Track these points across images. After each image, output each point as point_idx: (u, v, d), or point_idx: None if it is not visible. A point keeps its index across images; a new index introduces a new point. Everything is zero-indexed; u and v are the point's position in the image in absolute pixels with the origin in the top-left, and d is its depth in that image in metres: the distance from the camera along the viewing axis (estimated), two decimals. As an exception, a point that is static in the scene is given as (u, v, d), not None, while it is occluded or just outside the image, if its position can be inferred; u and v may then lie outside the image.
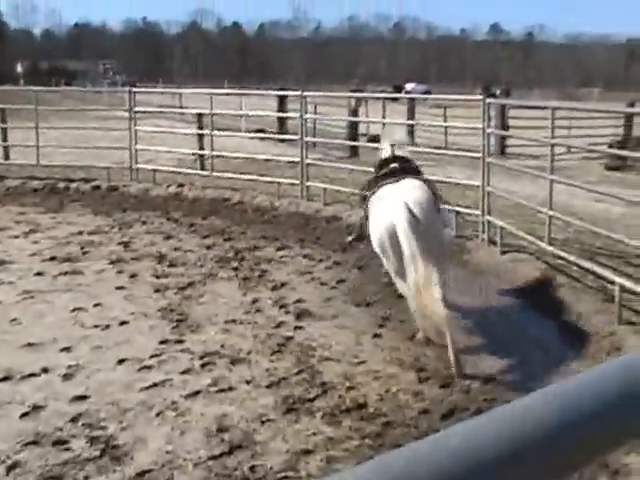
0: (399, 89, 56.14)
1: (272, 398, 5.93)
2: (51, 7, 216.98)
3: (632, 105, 24.01)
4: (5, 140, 18.19)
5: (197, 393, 6.00)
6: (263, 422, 5.53)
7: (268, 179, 14.81)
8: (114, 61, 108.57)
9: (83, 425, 5.44)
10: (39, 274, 9.45)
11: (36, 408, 5.69)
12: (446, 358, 6.65)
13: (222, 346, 7.04)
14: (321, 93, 19.82)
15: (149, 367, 6.55)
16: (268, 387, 6.15)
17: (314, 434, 5.38)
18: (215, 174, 15.51)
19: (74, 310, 8.03)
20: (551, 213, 9.41)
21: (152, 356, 6.77)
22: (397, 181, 7.43)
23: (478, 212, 10.93)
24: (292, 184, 14.30)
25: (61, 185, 15.99)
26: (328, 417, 5.62)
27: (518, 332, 7.70)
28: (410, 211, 6.88)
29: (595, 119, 24.57)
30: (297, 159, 14.48)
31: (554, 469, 1.12)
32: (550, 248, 9.31)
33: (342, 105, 22.90)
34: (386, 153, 8.40)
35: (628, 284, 7.53)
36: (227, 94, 29.00)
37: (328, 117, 23.04)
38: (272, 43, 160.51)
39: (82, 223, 12.60)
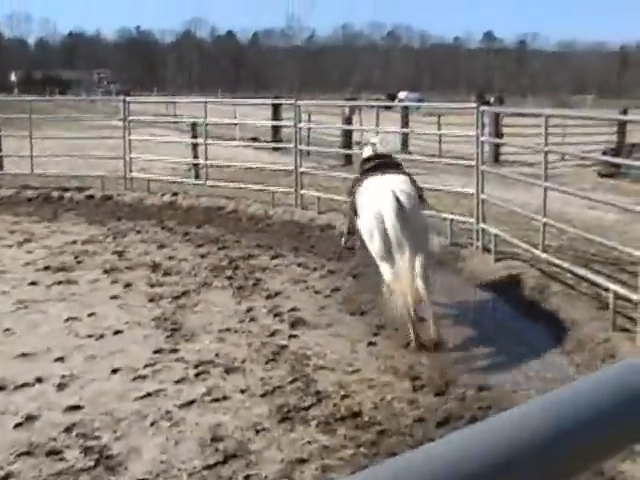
0: (393, 97, 56.22)
1: (267, 407, 5.92)
2: (45, 16, 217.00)
3: (625, 112, 24.10)
4: (-1, 149, 18.18)
5: (191, 402, 5.99)
6: (258, 431, 5.52)
7: (262, 188, 14.80)
8: (108, 70, 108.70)
9: (77, 435, 5.42)
10: (33, 284, 9.43)
11: (30, 418, 5.67)
12: (441, 367, 6.67)
13: (216, 355, 7.03)
14: (315, 102, 19.86)
15: (143, 377, 6.53)
16: (263, 396, 6.13)
17: (309, 443, 5.37)
18: (209, 183, 15.51)
19: (68, 320, 8.02)
20: (545, 220, 9.42)
21: (146, 365, 6.75)
22: (382, 174, 7.98)
23: (472, 220, 10.93)
24: (286, 192, 14.30)
25: (55, 194, 15.97)
26: (323, 426, 5.61)
27: (513, 340, 7.71)
28: (397, 199, 7.40)
29: (588, 126, 24.63)
30: (291, 167, 14.48)
31: (550, 477, 1.12)
32: (544, 255, 9.32)
33: (336, 113, 22.91)
34: (368, 152, 8.98)
35: (622, 291, 7.53)
36: (221, 103, 29.01)
37: (322, 125, 23.08)
38: (266, 52, 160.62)
39: (76, 232, 12.58)
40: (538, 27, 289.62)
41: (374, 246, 7.64)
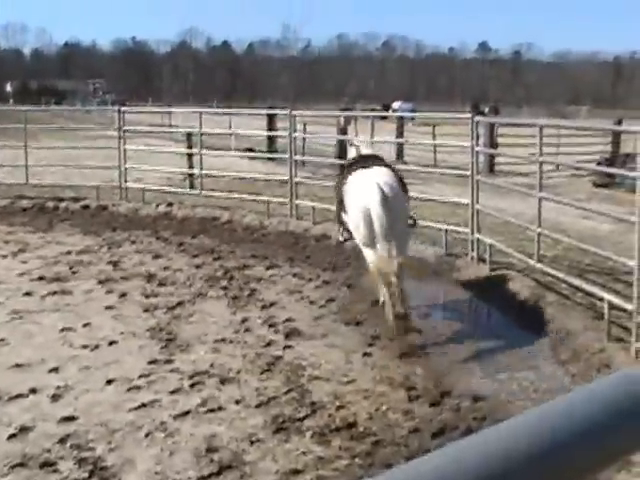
0: (387, 107, 56.32)
1: (261, 418, 5.91)
2: (41, 27, 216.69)
3: (619, 123, 24.13)
4: (-6, 159, 18.15)
5: (186, 413, 5.97)
6: (252, 442, 5.51)
7: (257, 198, 14.80)
8: (104, 80, 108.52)
9: (71, 446, 5.40)
10: (27, 294, 9.42)
11: (24, 429, 5.65)
12: (436, 377, 6.68)
13: (211, 366, 7.02)
14: (310, 112, 19.88)
15: (138, 387, 6.52)
16: (257, 407, 6.12)
17: (304, 454, 5.36)
18: (204, 193, 15.50)
19: (63, 330, 8.00)
20: (540, 230, 9.42)
21: (141, 376, 6.74)
22: (366, 168, 8.66)
23: (467, 230, 10.94)
24: (281, 203, 14.30)
25: (50, 204, 15.95)
26: (318, 436, 5.60)
27: (508, 350, 7.70)
28: (382, 190, 8.02)
29: (583, 136, 24.68)
30: (286, 178, 14.48)
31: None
32: (539, 265, 9.32)
33: (331, 124, 22.95)
34: (353, 153, 9.82)
35: (617, 301, 7.53)
36: (216, 113, 29.03)
37: (317, 136, 23.10)
38: (261, 62, 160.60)
39: (71, 242, 12.57)
40: (533, 37, 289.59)
41: (360, 234, 8.33)
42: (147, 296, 9.40)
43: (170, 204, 15.46)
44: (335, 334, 8.06)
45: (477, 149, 11.25)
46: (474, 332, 8.21)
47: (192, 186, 16.60)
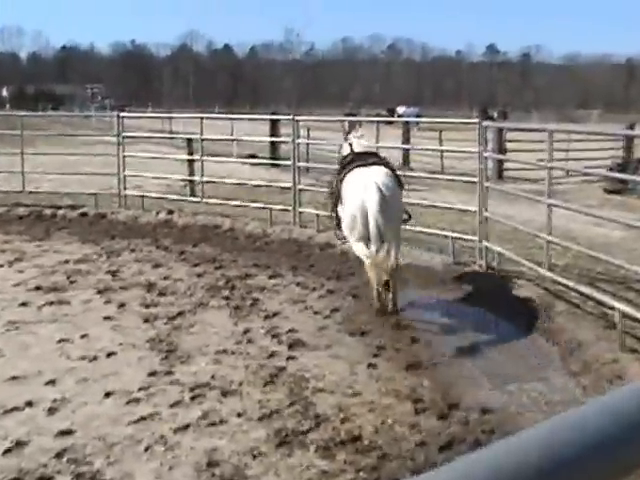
0: (392, 112, 56.34)
1: (264, 431, 5.90)
2: (38, 30, 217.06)
3: (632, 127, 24.14)
4: (-10, 166, 18.18)
5: (187, 426, 5.96)
6: (255, 456, 5.49)
7: (260, 205, 14.80)
8: (102, 85, 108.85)
9: (68, 461, 5.39)
10: (24, 304, 9.41)
11: (19, 444, 5.64)
12: (443, 389, 6.67)
13: (213, 377, 7.01)
14: (314, 117, 19.89)
15: (137, 400, 6.50)
16: (260, 420, 6.11)
17: (308, 468, 5.34)
18: (206, 200, 15.52)
19: (60, 341, 8.00)
20: (550, 238, 9.42)
21: (140, 388, 6.73)
22: (365, 166, 9.22)
23: (475, 238, 10.93)
24: (285, 210, 14.30)
25: (47, 212, 15.96)
26: (322, 450, 5.58)
27: (517, 361, 7.69)
28: (380, 191, 8.63)
29: (594, 141, 24.64)
30: (290, 185, 14.49)
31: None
32: (549, 274, 9.32)
33: (335, 129, 22.95)
34: (347, 150, 10.15)
35: (629, 310, 7.53)
36: (218, 118, 29.07)
37: (321, 141, 23.11)
38: (264, 66, 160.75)
39: (69, 251, 12.57)
40: (542, 40, 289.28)
41: (355, 232, 8.94)
42: (147, 306, 9.39)
43: (170, 212, 15.47)
44: (339, 345, 8.05)
45: (485, 155, 11.26)
46: (482, 343, 8.19)
47: (193, 193, 16.62)
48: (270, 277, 10.89)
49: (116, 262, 11.83)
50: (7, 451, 5.54)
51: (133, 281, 10.64)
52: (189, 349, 7.80)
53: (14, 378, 6.98)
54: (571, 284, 8.89)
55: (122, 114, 17.98)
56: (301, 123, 15.22)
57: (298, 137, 14.74)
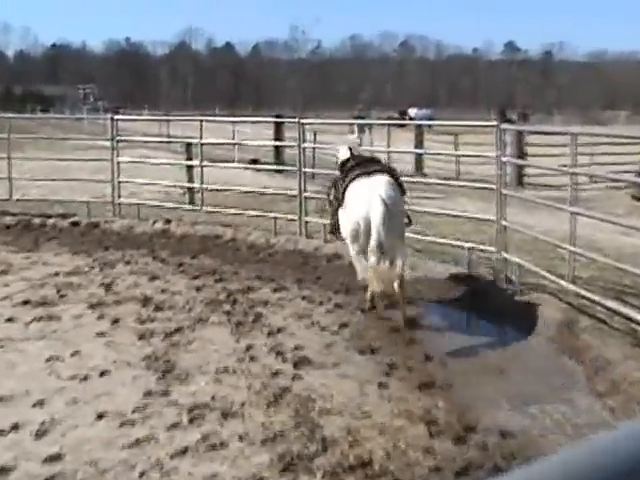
0: (404, 114, 56.40)
1: (267, 455, 5.89)
2: (26, 26, 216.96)
3: (662, 130, 24.08)
4: (-25, 173, 18.23)
5: (185, 451, 5.96)
6: (258, 482, 5.49)
7: (263, 214, 14.82)
8: (95, 85, 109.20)
9: (58, 487, 5.39)
10: (10, 320, 9.43)
11: (4, 470, 5.63)
12: (460, 410, 6.66)
13: (213, 398, 7.01)
14: (321, 120, 19.92)
15: (132, 422, 6.50)
16: (263, 443, 6.10)
17: (314, 495, 5.34)
18: (205, 209, 15.54)
19: (49, 359, 8.00)
20: (573, 249, 9.41)
21: (135, 410, 6.72)
22: (368, 175, 9.58)
23: (493, 249, 10.93)
24: (290, 219, 14.32)
25: (36, 221, 16.00)
26: (329, 476, 5.57)
27: (539, 380, 7.68)
28: (385, 204, 8.96)
29: (621, 145, 24.60)
30: (295, 192, 14.50)
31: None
32: (572, 287, 9.30)
33: (344, 132, 22.98)
34: (345, 155, 10.53)
35: (659, 326, 7.51)
36: (218, 121, 29.12)
37: (328, 146, 23.12)
38: (268, 65, 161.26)
39: (59, 263, 12.59)
40: (565, 36, 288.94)
41: (357, 244, 9.42)
42: (142, 322, 9.40)
43: (168, 221, 15.49)
44: (348, 363, 8.04)
45: (504, 160, 11.25)
46: (501, 361, 8.18)
47: (192, 201, 16.65)
48: (274, 290, 10.89)
49: (110, 275, 11.84)
50: (-8, 477, 5.54)
51: (128, 295, 10.65)
52: (187, 368, 7.80)
53: None
54: (596, 298, 8.87)
55: (116, 116, 18.04)
56: (307, 126, 15.25)
57: (304, 141, 14.75)
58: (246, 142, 23.86)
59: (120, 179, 16.57)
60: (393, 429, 6.40)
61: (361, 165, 9.96)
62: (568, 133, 10.07)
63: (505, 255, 10.68)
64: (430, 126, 32.61)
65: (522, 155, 21.44)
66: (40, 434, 6.25)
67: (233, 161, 24.42)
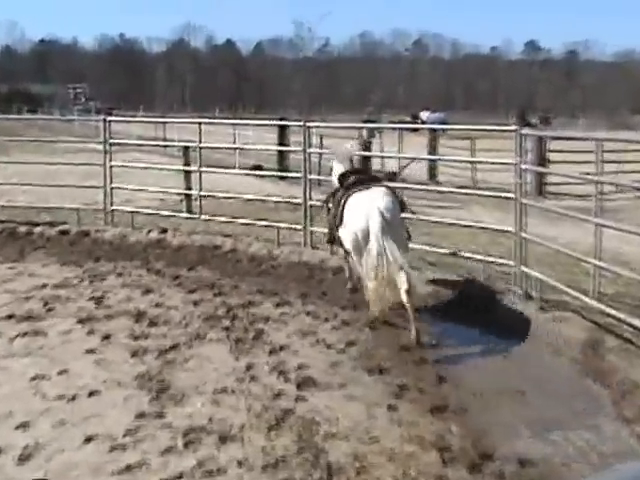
0: (416, 118, 56.41)
1: (268, 483, 5.88)
2: (12, 20, 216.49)
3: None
4: (-43, 177, 18.27)
5: (179, 477, 5.95)
6: (257, 512, 5.48)
7: (266, 223, 14.82)
8: (86, 84, 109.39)
9: (42, 516, 5.38)
10: (-7, 335, 9.44)
11: (-14, 497, 5.64)
12: (475, 436, 6.64)
13: (210, 420, 7.00)
14: (327, 123, 19.94)
15: (123, 446, 6.49)
16: (264, 469, 6.09)
17: (318, 526, 5.33)
18: (204, 217, 15.55)
19: (34, 378, 7.99)
20: (598, 263, 9.39)
21: (126, 433, 6.71)
22: (366, 189, 10.18)
23: (512, 262, 10.91)
24: (294, 229, 14.33)
25: (22, 229, 16.03)
26: (335, 506, 5.57)
27: (560, 405, 7.66)
28: (382, 215, 9.47)
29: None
30: (299, 200, 14.49)
31: None
32: (597, 304, 9.28)
33: (352, 137, 22.99)
34: (343, 168, 11.26)
35: (690, 347, 7.49)
36: (218, 124, 29.17)
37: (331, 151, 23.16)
38: (271, 64, 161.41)
39: (46, 275, 12.60)
40: (591, 34, 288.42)
41: (358, 255, 9.87)
42: (135, 338, 9.40)
43: (164, 230, 15.51)
44: (355, 384, 8.03)
45: (523, 167, 11.24)
46: (520, 383, 8.16)
47: (189, 209, 16.67)
48: (277, 305, 10.89)
49: (100, 287, 11.85)
50: (-28, 505, 5.54)
51: (120, 309, 10.65)
52: (183, 388, 7.79)
53: (-19, 420, 6.99)
54: (623, 316, 8.84)
55: (109, 118, 18.06)
56: (313, 130, 15.28)
57: (310, 146, 14.76)
58: (248, 146, 23.88)
59: (113, 185, 16.59)
60: (403, 455, 6.39)
61: (357, 182, 10.57)
62: (593, 139, 10.07)
63: (524, 269, 10.67)
64: (444, 130, 32.57)
65: (543, 162, 21.44)
66: (23, 459, 6.23)
67: (234, 167, 24.47)
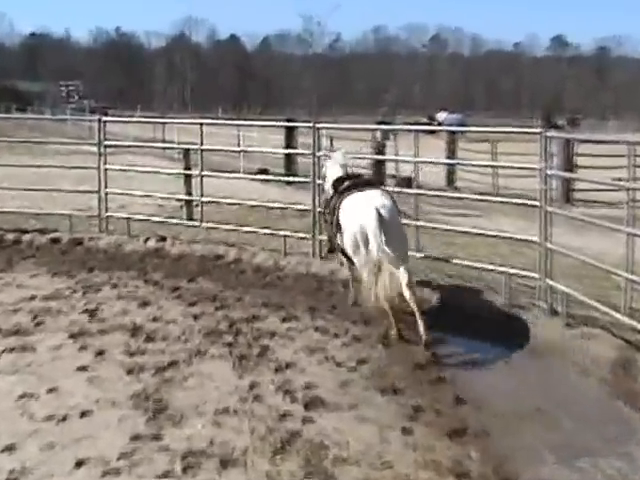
0: (432, 119, 56.42)
1: (273, 511, 5.88)
2: (0, 12, 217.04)
3: None
4: (-59, 181, 18.33)
5: (177, 504, 5.95)
6: (261, 542, 5.48)
7: (272, 232, 14.83)
8: (80, 82, 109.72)
9: None
10: (-22, 351, 9.45)
11: (-30, 526, 5.64)
12: (496, 461, 6.62)
13: (211, 443, 6.99)
14: (339, 124, 19.93)
15: (116, 471, 6.48)
16: (268, 496, 6.09)
17: None
18: (205, 225, 15.56)
19: (22, 397, 7.99)
20: (630, 276, 9.37)
21: (121, 456, 6.70)
22: (362, 191, 10.64)
23: (536, 275, 10.90)
24: (301, 238, 14.32)
25: (10, 237, 16.06)
26: (344, 536, 5.56)
27: (588, 430, 7.63)
28: (379, 213, 9.83)
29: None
30: (308, 207, 14.49)
31: None
32: (628, 320, 9.26)
33: (365, 139, 22.99)
34: (338, 173, 11.73)
35: None
36: (221, 125, 29.21)
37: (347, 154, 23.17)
38: (278, 61, 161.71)
39: (35, 286, 12.62)
40: (623, 29, 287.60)
41: (359, 258, 10.28)
42: (131, 354, 9.40)
43: (162, 238, 15.53)
44: (367, 405, 8.02)
45: (549, 172, 11.24)
46: (545, 405, 8.14)
47: (190, 216, 16.69)
48: (283, 320, 10.89)
49: (94, 299, 11.86)
50: (-45, 534, 5.54)
51: (115, 323, 10.66)
52: (182, 408, 7.79)
53: (-36, 442, 6.99)
54: (656, 334, 8.83)
55: (104, 118, 18.09)
56: (323, 131, 15.28)
57: (319, 149, 14.76)
58: (253, 149, 23.91)
59: (108, 190, 16.61)
60: (418, 482, 6.38)
61: (352, 185, 10.99)
62: (625, 142, 10.06)
63: (550, 282, 10.65)
64: (464, 133, 32.58)
65: (571, 167, 21.43)
66: (9, 484, 6.24)
67: (238, 171, 24.49)
